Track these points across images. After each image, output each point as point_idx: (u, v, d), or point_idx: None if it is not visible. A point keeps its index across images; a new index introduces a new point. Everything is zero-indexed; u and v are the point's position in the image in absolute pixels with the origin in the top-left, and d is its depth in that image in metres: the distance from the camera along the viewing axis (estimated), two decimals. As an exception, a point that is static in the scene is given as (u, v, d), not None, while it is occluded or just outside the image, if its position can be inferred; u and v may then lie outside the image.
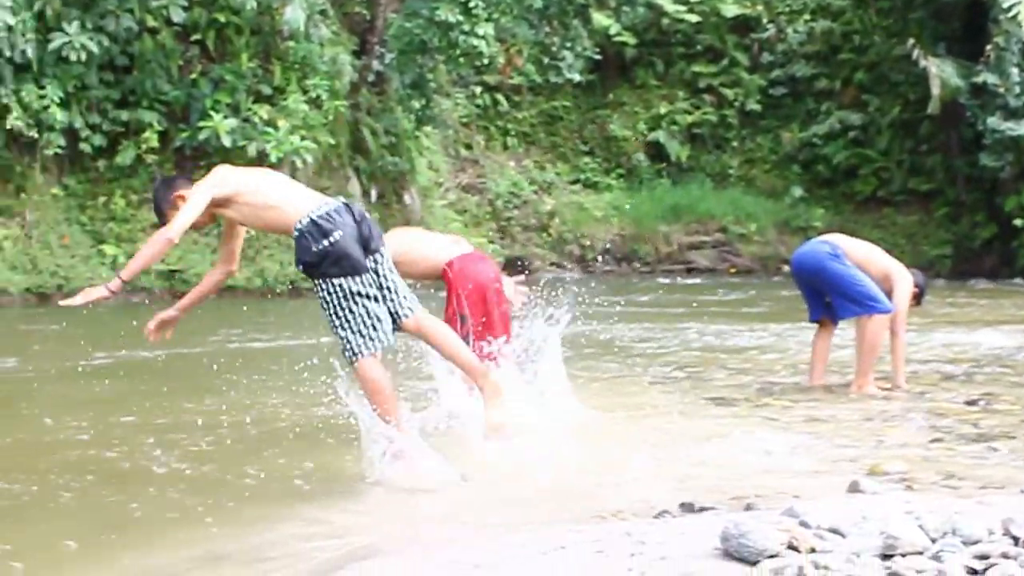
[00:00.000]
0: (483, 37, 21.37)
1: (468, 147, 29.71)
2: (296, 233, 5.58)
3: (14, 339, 13.56)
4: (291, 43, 20.90)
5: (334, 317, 5.60)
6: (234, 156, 20.01)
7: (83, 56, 18.37)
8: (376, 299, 5.63)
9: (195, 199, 5.75)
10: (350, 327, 5.59)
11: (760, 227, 28.29)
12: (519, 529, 4.41)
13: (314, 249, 5.53)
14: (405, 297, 5.86)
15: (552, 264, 27.44)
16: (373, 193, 23.11)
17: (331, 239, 5.51)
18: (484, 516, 4.96)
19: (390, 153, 23.49)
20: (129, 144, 19.65)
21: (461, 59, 22.45)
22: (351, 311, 5.58)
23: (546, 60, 26.45)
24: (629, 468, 5.90)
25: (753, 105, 30.32)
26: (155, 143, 19.56)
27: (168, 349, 9.93)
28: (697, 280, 25.53)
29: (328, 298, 5.59)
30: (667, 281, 24.77)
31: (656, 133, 30.25)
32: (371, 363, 5.63)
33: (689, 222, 28.39)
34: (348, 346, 5.63)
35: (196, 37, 20.38)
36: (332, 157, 21.81)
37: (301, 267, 5.64)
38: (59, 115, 18.28)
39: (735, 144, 30.74)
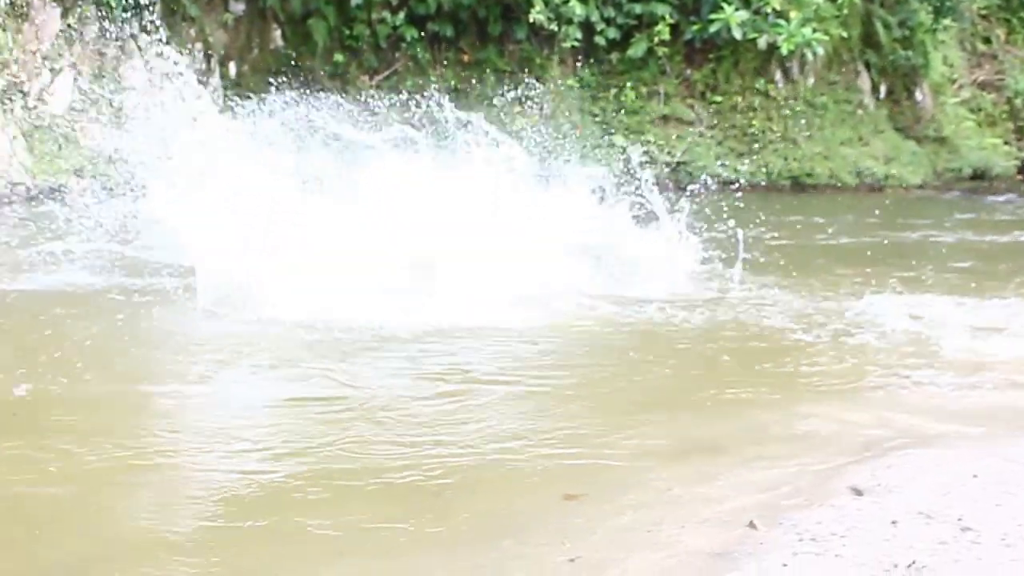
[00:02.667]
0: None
1: (987, 41, 27.84)
2: None
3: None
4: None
5: None
6: (743, 49, 20.02)
7: (601, -50, 18.88)
8: None
9: None
10: None
11: None
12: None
13: None
14: None
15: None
16: (882, 89, 22.28)
17: None
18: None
19: (902, 47, 22.47)
20: (641, 37, 20.07)
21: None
22: None
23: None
24: None
25: None
26: (666, 36, 19.84)
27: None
28: None
29: None
30: None
31: None
32: None
33: None
34: None
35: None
36: (842, 50, 21.21)
37: None
38: (578, 9, 18.92)
39: None
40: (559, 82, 20.27)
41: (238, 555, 3.36)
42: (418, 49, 19.53)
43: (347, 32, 19.06)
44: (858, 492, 3.76)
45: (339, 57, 19.02)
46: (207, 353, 5.87)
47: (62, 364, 5.39)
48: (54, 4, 15.37)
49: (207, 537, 3.47)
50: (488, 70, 19.99)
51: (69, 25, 15.62)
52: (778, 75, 20.54)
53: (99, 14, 15.85)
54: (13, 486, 3.88)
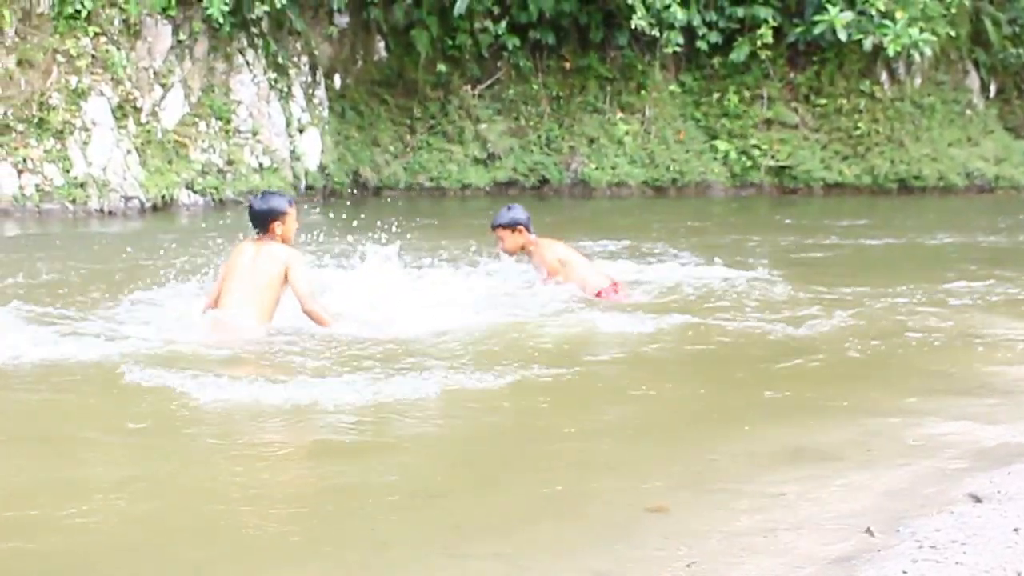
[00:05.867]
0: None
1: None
2: None
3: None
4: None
5: None
6: (848, 50, 19.77)
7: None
8: None
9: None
10: None
11: None
12: None
13: None
14: None
15: None
16: (992, 88, 21.84)
17: None
18: None
19: (1013, 44, 22.00)
20: (744, 40, 19.94)
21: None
22: None
23: None
24: None
25: None
26: (769, 39, 19.69)
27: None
28: None
29: None
30: None
31: None
32: None
33: None
34: None
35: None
36: (950, 50, 20.85)
37: None
38: (679, 13, 18.81)
39: None
40: (661, 88, 20.22)
41: (343, 555, 3.43)
42: (520, 57, 19.63)
43: (449, 42, 19.23)
44: (977, 499, 3.71)
45: (442, 67, 19.18)
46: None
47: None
48: (165, 21, 15.75)
49: (325, 534, 3.55)
50: (590, 77, 20.02)
51: (180, 41, 15.99)
52: (884, 76, 20.27)
53: (208, 30, 16.20)
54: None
